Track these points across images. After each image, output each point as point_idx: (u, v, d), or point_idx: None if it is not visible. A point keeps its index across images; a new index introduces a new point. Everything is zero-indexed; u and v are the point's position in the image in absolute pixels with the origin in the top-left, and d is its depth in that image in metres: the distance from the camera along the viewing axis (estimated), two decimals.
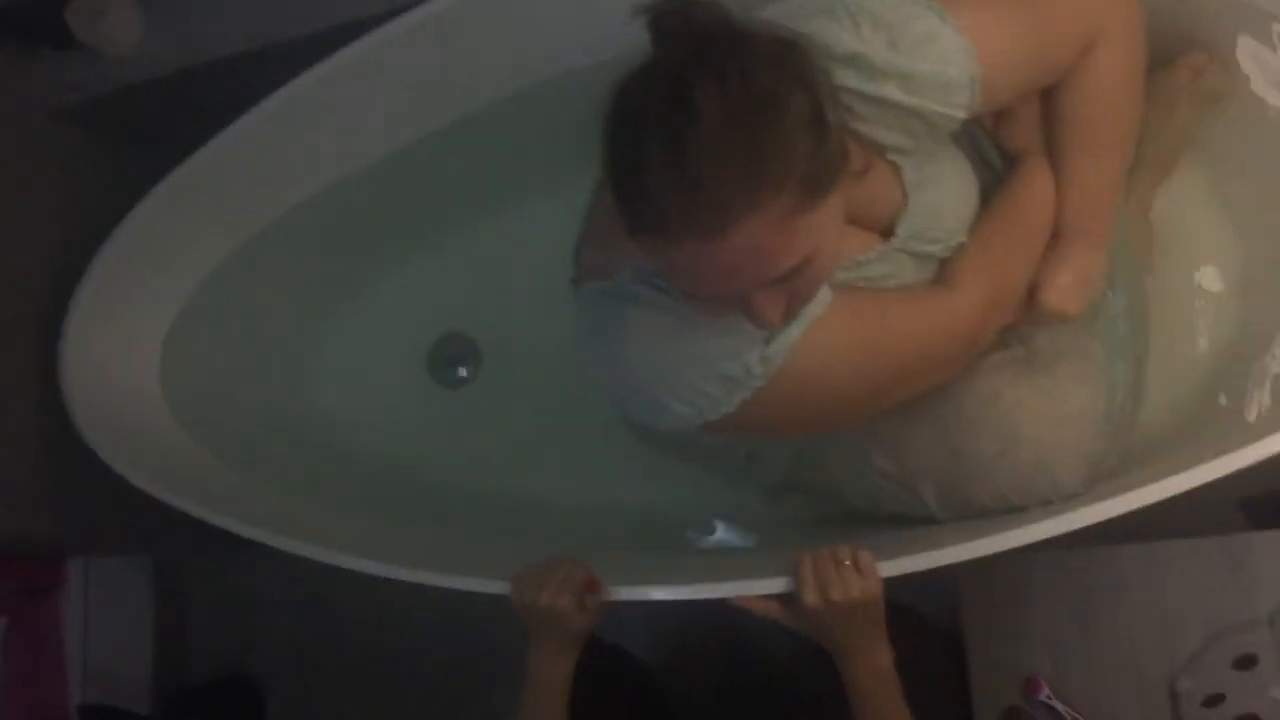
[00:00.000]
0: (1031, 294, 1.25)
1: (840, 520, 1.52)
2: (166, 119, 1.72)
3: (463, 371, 1.94)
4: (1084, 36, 1.20)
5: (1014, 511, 1.30)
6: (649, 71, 0.95)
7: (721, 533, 1.72)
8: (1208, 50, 1.41)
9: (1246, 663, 1.25)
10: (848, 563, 1.16)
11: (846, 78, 1.08)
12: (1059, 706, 1.29)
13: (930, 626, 1.48)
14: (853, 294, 1.13)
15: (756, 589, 1.23)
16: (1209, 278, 1.52)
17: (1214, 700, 1.25)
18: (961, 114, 1.13)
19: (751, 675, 1.87)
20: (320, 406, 1.96)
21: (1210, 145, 1.49)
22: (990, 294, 1.19)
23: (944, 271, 1.21)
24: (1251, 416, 1.35)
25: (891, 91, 1.09)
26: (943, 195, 1.19)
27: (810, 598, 1.15)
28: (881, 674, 1.20)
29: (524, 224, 1.88)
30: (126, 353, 1.70)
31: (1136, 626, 1.30)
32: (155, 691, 2.16)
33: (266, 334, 1.89)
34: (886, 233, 1.17)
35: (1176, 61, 1.41)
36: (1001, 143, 1.28)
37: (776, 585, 1.22)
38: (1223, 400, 1.43)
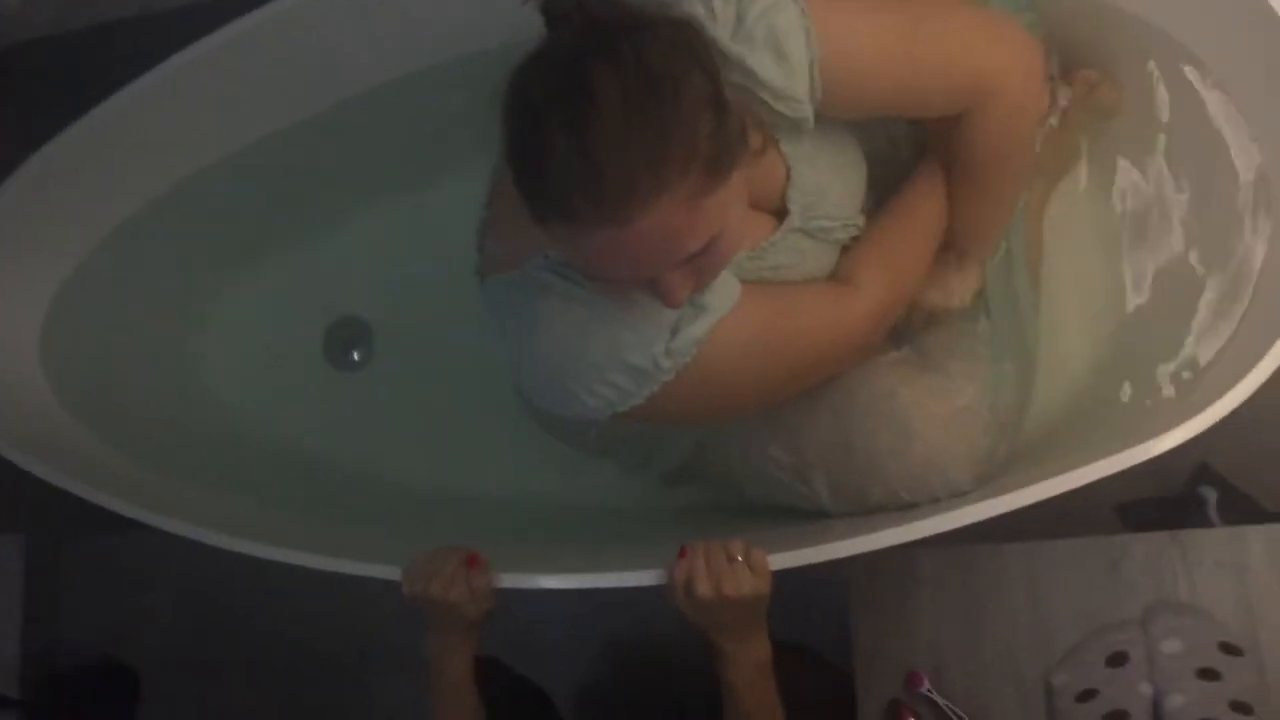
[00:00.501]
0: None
1: (735, 511, 1.53)
2: (46, 84, 1.66)
3: (356, 355, 1.91)
4: (974, 78, 1.19)
5: (905, 507, 1.32)
6: (544, 57, 0.94)
7: None
8: (1103, 66, 1.45)
9: (1118, 660, 1.28)
10: (740, 559, 1.16)
11: None
12: (939, 700, 1.31)
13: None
14: (760, 290, 1.14)
15: (648, 579, 1.22)
16: (1099, 280, 1.56)
17: (1086, 695, 1.29)
18: (804, 109, 1.12)
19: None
20: (210, 388, 1.91)
21: (1100, 153, 1.53)
22: (888, 296, 1.23)
23: (844, 269, 1.23)
24: (1144, 411, 1.39)
25: (736, 78, 1.07)
26: (819, 170, 1.20)
27: (704, 590, 1.15)
28: (761, 668, 1.22)
29: (420, 207, 1.87)
30: (2, 325, 1.64)
31: (1017, 623, 1.32)
32: (23, 675, 2.08)
33: (154, 312, 1.84)
34: (780, 214, 1.18)
35: (1073, 75, 1.44)
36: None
37: (661, 574, 1.21)
38: (1123, 394, 1.47)
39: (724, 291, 1.11)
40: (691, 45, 0.95)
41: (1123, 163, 1.53)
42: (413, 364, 1.90)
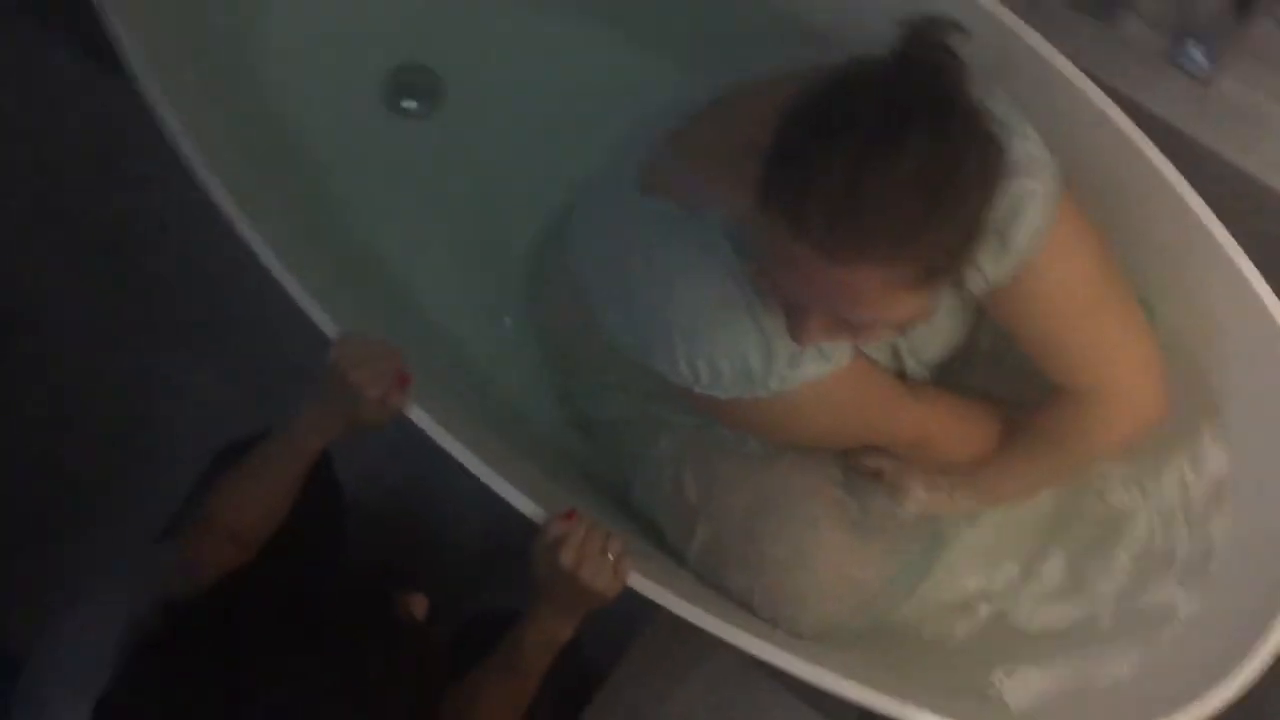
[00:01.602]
0: (902, 470, 1.37)
1: (610, 495, 1.54)
2: None
3: (413, 104, 1.84)
4: (1106, 382, 1.26)
5: (744, 608, 1.36)
6: (880, 81, 0.94)
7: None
8: None
9: None
10: (611, 557, 1.18)
11: None
12: None
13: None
14: (867, 365, 1.22)
15: (529, 509, 1.24)
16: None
17: None
18: (977, 284, 1.17)
19: None
20: (265, 88, 1.78)
21: None
22: (927, 436, 1.32)
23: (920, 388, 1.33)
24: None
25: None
26: (933, 334, 1.27)
27: (567, 559, 1.16)
28: (553, 645, 1.24)
29: None
30: None
31: None
32: None
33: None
34: None
35: None
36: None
37: (540, 515, 1.23)
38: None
39: (844, 349, 1.17)
40: (995, 172, 0.98)
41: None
42: (473, 119, 1.82)
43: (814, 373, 1.16)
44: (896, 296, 0.98)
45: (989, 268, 1.16)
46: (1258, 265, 1.27)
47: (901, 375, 1.31)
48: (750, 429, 1.31)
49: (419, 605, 1.06)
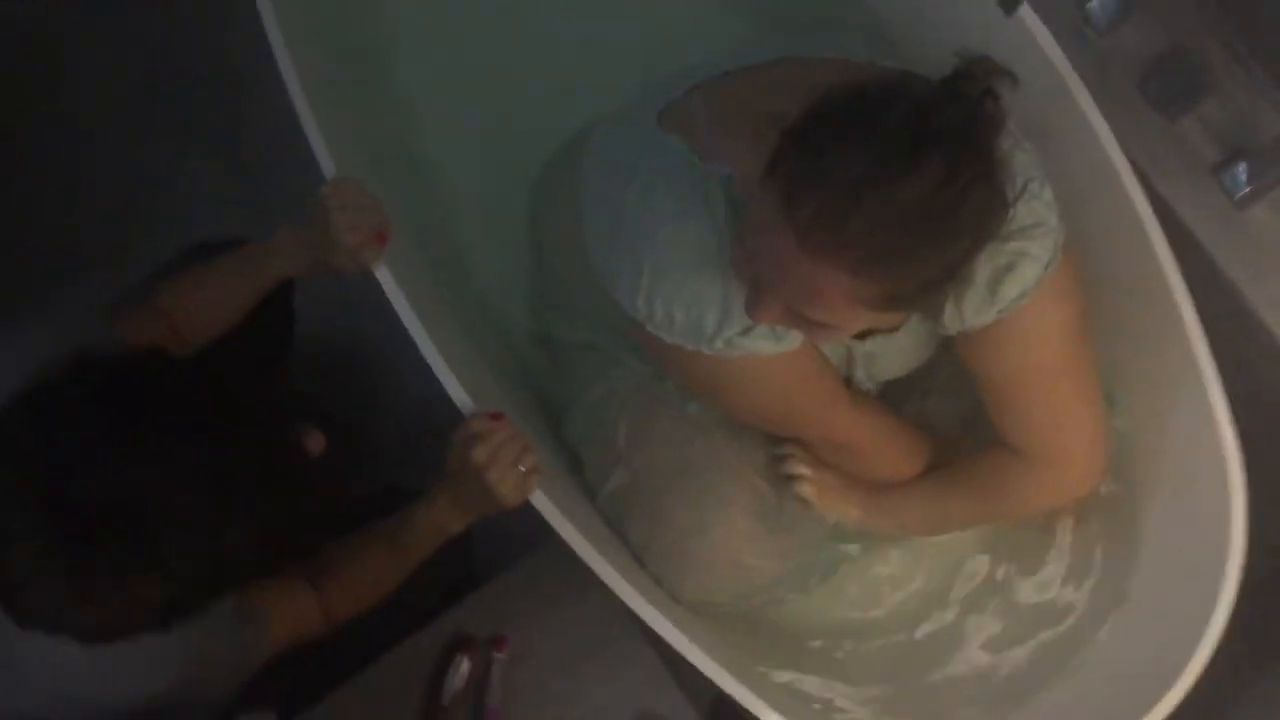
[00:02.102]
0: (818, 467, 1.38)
1: (546, 417, 1.55)
2: None
3: None
4: (1051, 447, 1.27)
5: (635, 560, 1.38)
6: (917, 102, 0.95)
7: None
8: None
9: None
10: (522, 469, 1.19)
11: None
12: (494, 675, 1.37)
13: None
14: (814, 358, 1.23)
15: (461, 400, 1.24)
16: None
17: None
18: (956, 325, 1.18)
19: None
20: None
21: None
22: (852, 444, 1.34)
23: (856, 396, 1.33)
24: None
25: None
26: (892, 353, 1.29)
27: (479, 456, 1.17)
28: (441, 532, 1.26)
29: None
30: None
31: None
32: None
33: None
34: None
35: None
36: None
37: (469, 407, 1.24)
38: None
39: (793, 337, 1.17)
40: (995, 223, 0.99)
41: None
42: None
43: (761, 348, 1.17)
44: (854, 310, 0.99)
45: (969, 313, 1.17)
46: (1227, 391, 1.26)
47: (848, 381, 1.32)
48: (682, 381, 1.32)
49: (315, 441, 1.07)
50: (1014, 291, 1.14)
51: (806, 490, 1.39)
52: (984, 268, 1.11)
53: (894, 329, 1.22)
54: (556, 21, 1.79)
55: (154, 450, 0.91)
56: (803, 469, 1.39)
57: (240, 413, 0.98)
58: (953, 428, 1.42)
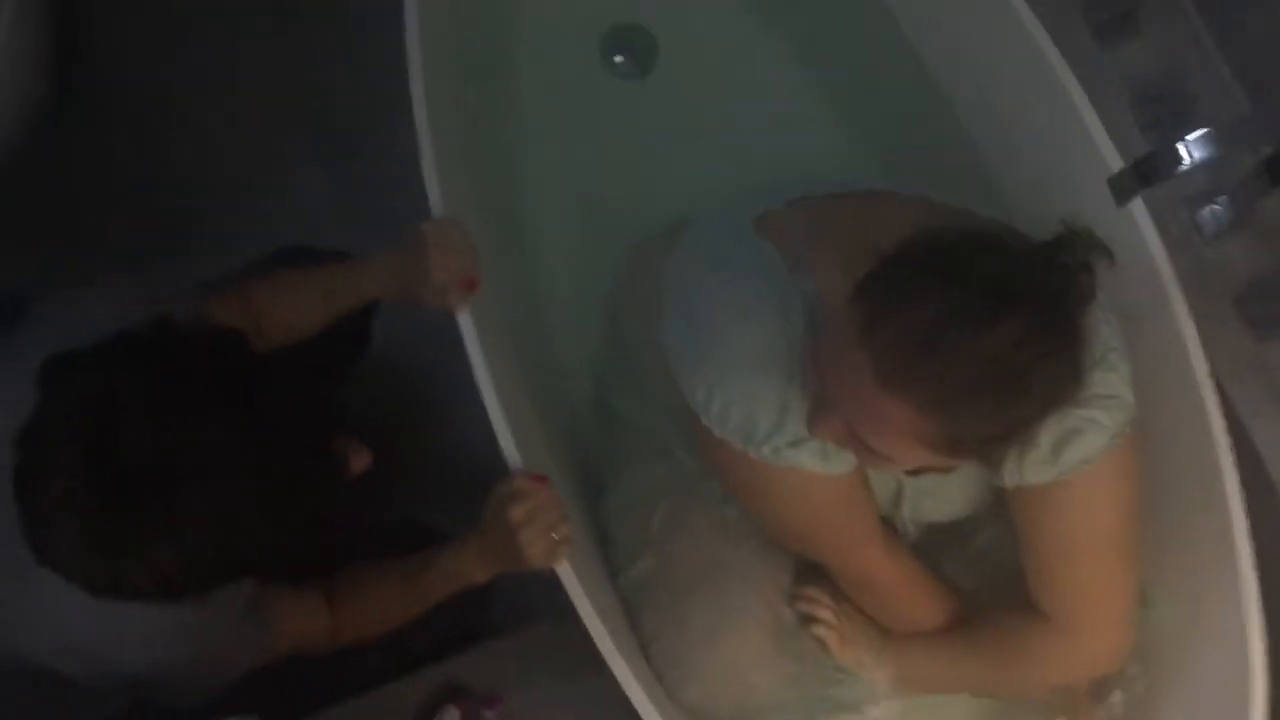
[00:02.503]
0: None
1: (586, 488, 1.57)
2: None
3: (624, 60, 1.88)
4: (1081, 620, 1.26)
5: (641, 650, 1.37)
6: (1013, 258, 0.98)
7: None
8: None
9: None
10: (554, 538, 1.21)
11: None
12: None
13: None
14: (858, 489, 1.24)
15: (511, 455, 1.27)
16: None
17: None
18: (1007, 479, 1.20)
19: None
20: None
21: None
22: (875, 584, 1.34)
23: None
24: None
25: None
26: (942, 495, 1.30)
27: (515, 515, 1.19)
28: (460, 579, 1.27)
29: None
30: None
31: None
32: None
33: None
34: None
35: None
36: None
37: (516, 464, 1.26)
38: None
39: (847, 461, 1.18)
40: (1061, 395, 1.01)
41: None
42: (687, 80, 1.86)
43: (808, 464, 1.18)
44: (913, 445, 1.00)
45: (1029, 470, 1.17)
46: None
47: (890, 520, 1.32)
48: (723, 475, 1.32)
49: (360, 460, 1.09)
50: (1077, 456, 1.15)
51: (823, 633, 1.39)
52: (1051, 429, 1.12)
53: (948, 470, 1.22)
54: (682, 118, 1.85)
55: (202, 427, 0.94)
56: (826, 614, 1.39)
57: (292, 416, 1.01)
58: (981, 590, 1.41)
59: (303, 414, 1.02)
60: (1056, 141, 1.44)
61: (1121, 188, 1.25)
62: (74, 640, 1.07)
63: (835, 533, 1.29)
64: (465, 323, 1.30)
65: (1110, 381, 1.15)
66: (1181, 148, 1.14)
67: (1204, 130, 1.15)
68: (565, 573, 1.24)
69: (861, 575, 1.34)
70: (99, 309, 1.10)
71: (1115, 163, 1.35)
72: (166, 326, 1.00)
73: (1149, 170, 1.19)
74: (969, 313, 0.94)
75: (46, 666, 1.10)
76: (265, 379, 1.00)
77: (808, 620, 1.40)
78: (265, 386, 0.99)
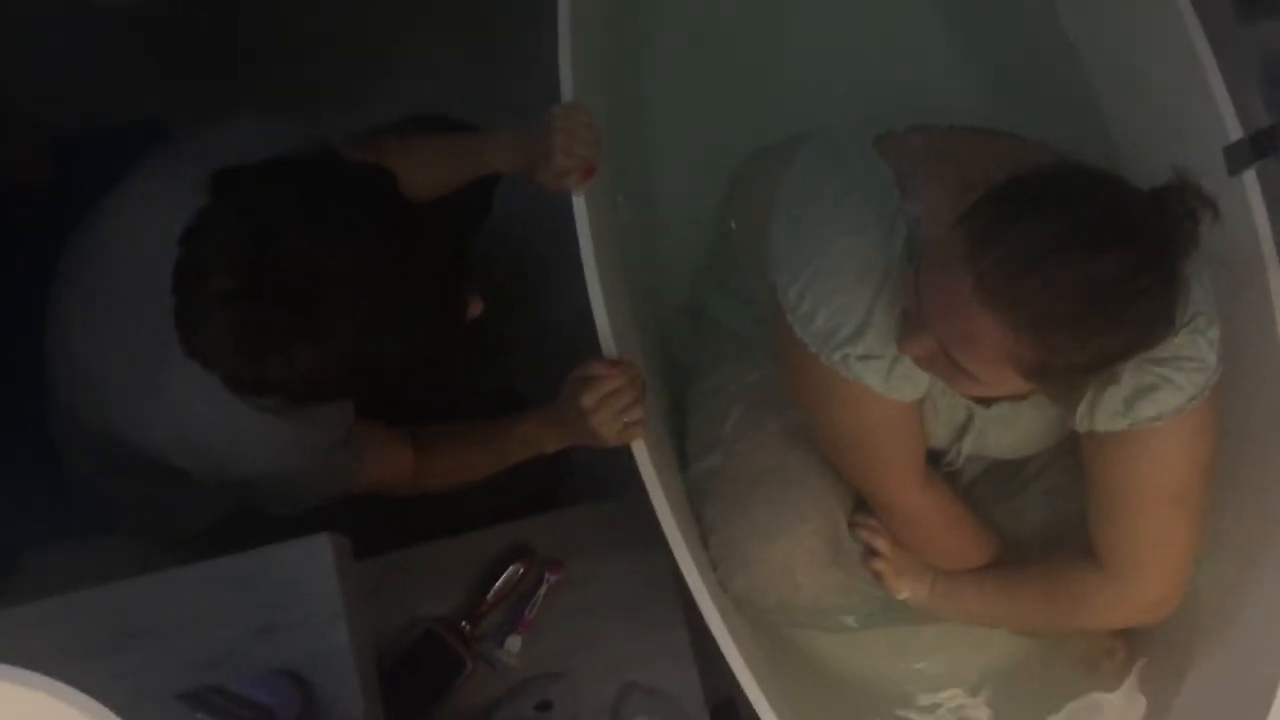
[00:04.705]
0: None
1: (672, 380, 1.63)
2: None
3: None
4: (1135, 553, 1.29)
5: (701, 538, 1.43)
6: (1125, 196, 1.02)
7: None
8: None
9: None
10: (627, 420, 1.26)
11: None
12: (534, 600, 1.45)
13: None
14: (913, 422, 1.30)
15: (608, 345, 1.32)
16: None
17: None
18: (1079, 424, 1.23)
19: None
20: None
21: None
22: (918, 518, 1.39)
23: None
24: None
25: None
26: (1010, 429, 1.33)
27: (587, 400, 1.24)
28: (532, 450, 1.35)
29: None
30: None
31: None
32: None
33: None
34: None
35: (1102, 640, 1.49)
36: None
37: (609, 341, 1.32)
38: None
39: (909, 392, 1.24)
40: (1149, 336, 1.04)
41: None
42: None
43: (869, 379, 1.22)
44: (1001, 367, 1.04)
45: (1100, 417, 1.21)
46: None
47: (951, 451, 1.36)
48: (790, 375, 1.36)
49: (475, 305, 1.17)
50: (1148, 413, 1.18)
51: (879, 566, 1.43)
52: (1128, 381, 1.15)
53: (1021, 398, 1.25)
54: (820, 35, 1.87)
55: (357, 246, 1.02)
56: (882, 545, 1.43)
57: (434, 250, 1.09)
58: (1029, 539, 1.45)
59: (444, 249, 1.11)
60: (1180, 105, 1.45)
61: (1236, 158, 1.27)
62: (199, 439, 1.17)
63: (877, 457, 1.33)
64: (579, 206, 1.35)
65: (1196, 344, 1.17)
66: None
67: None
68: (640, 452, 1.30)
69: (896, 506, 1.38)
70: (257, 136, 1.18)
71: (1235, 132, 1.36)
72: (332, 154, 1.09)
73: (1266, 143, 1.20)
74: (1077, 240, 0.98)
75: (166, 461, 1.20)
76: (415, 214, 1.08)
77: (864, 551, 1.44)
78: (414, 220, 1.07)
